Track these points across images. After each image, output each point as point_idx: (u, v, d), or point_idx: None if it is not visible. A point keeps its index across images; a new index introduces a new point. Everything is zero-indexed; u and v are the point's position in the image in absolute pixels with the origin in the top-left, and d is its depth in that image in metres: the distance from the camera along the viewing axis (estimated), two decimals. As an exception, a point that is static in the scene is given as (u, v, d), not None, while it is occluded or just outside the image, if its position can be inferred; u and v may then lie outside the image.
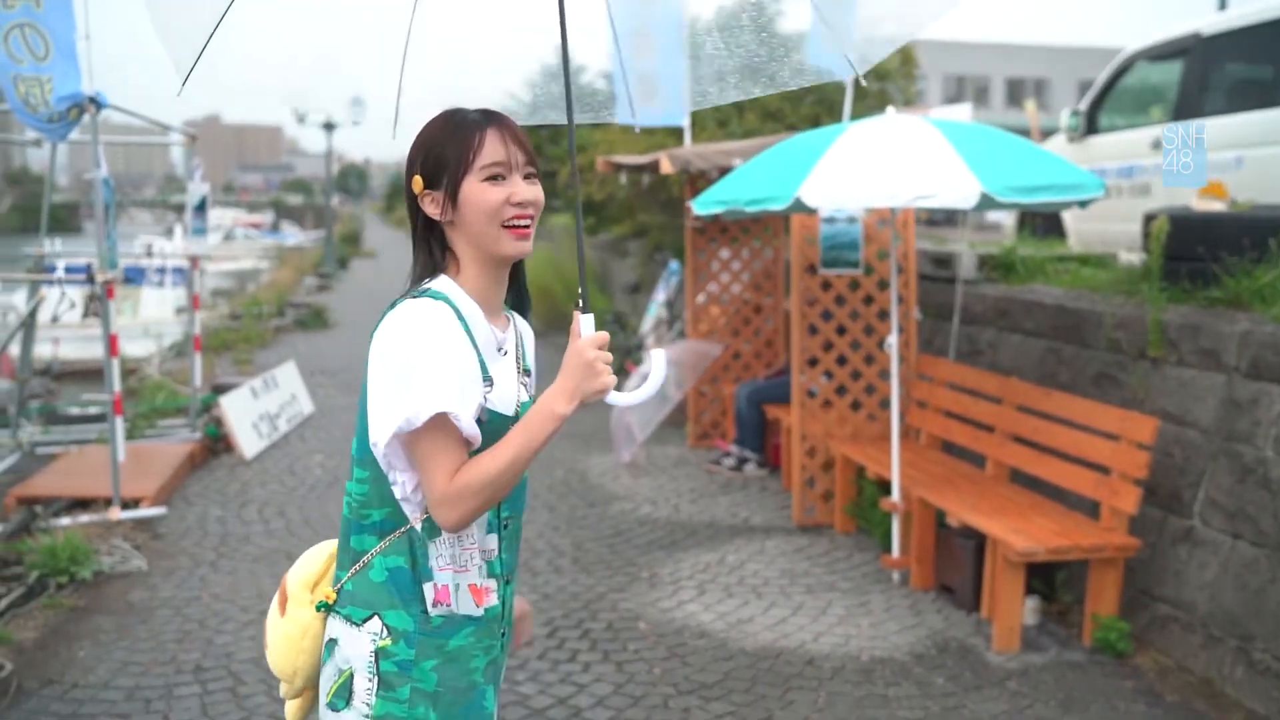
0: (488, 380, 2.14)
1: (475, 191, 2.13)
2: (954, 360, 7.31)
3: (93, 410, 10.63)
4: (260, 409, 9.76)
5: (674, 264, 11.59)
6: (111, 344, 7.35)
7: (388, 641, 2.15)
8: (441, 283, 2.17)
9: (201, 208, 10.04)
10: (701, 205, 6.42)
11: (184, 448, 8.89)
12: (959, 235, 8.57)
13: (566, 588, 6.16)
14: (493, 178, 2.13)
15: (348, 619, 2.18)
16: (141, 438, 9.35)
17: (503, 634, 2.30)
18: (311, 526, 7.27)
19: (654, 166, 9.02)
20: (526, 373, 2.33)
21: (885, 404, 7.27)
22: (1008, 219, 11.86)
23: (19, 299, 16.76)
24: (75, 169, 70.00)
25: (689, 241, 9.51)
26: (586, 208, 16.54)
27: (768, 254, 9.46)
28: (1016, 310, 6.90)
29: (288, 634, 2.26)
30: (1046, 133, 12.91)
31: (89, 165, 7.45)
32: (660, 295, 11.70)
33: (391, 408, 2.04)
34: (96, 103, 6.95)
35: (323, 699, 2.22)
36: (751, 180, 6.25)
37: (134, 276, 21.33)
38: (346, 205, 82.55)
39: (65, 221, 41.21)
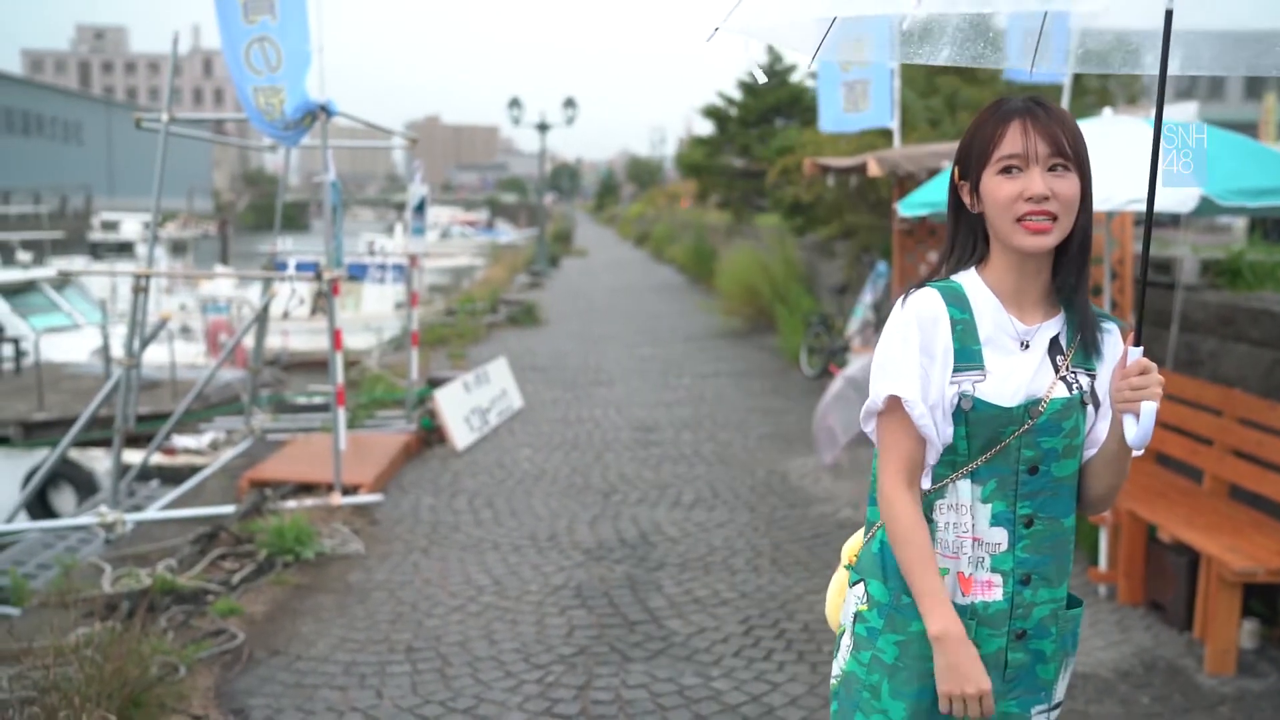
0: (978, 368, 2.20)
1: (991, 185, 2.21)
2: (1171, 370, 7.02)
3: (318, 400, 11.27)
4: (472, 403, 10.13)
5: (881, 265, 11.48)
6: (336, 338, 7.78)
7: (864, 607, 2.32)
8: (961, 275, 2.31)
9: (421, 208, 10.50)
10: (907, 207, 6.37)
11: (400, 438, 9.32)
12: (1181, 237, 8.20)
13: (764, 587, 6.21)
14: (1006, 170, 2.19)
15: (851, 582, 2.40)
16: (361, 427, 9.84)
17: (1018, 635, 2.28)
18: (517, 518, 7.52)
19: (862, 168, 8.96)
20: (1089, 372, 2.30)
21: (1097, 413, 7.03)
22: (1239, 220, 11.28)
23: (253, 293, 17.87)
24: (305, 170, 73.97)
25: (896, 244, 9.39)
26: (794, 208, 16.41)
27: (977, 257, 9.25)
28: (1242, 319, 6.57)
29: (831, 588, 2.53)
30: (1282, 129, 12.21)
31: (318, 168, 7.90)
32: (867, 297, 11.60)
33: (871, 391, 2.27)
34: (327, 110, 7.36)
35: None
36: (959, 183, 6.15)
37: (357, 273, 22.37)
38: (558, 204, 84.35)
39: (295, 219, 43.44)
